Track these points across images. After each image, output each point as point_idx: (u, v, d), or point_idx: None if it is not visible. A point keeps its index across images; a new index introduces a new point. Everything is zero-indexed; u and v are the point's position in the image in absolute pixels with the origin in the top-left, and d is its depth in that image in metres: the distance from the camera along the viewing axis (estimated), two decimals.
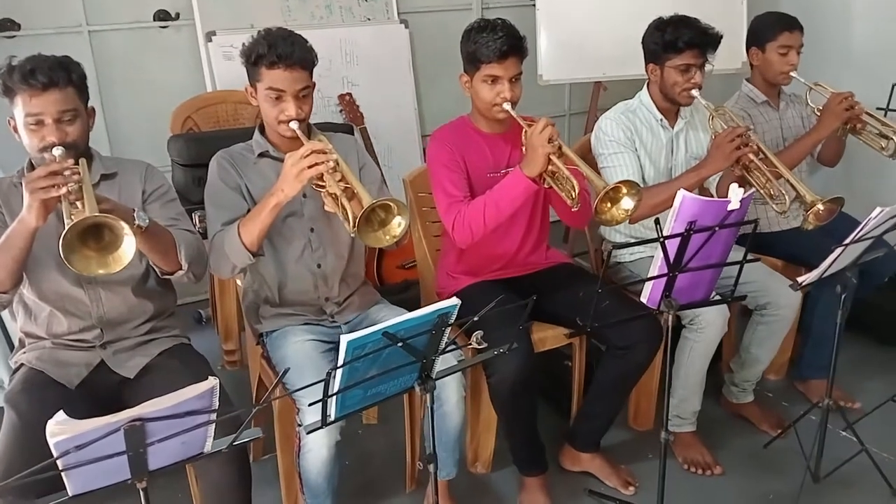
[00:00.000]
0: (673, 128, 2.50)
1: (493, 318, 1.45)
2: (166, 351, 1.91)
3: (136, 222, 1.67)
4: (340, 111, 3.65)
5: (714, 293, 1.97)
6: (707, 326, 2.27)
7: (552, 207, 2.33)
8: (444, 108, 4.09)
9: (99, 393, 1.83)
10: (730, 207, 1.70)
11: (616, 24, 3.52)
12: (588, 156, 2.50)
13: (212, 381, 1.14)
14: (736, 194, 1.69)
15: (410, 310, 2.34)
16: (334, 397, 1.36)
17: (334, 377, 1.31)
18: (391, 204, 1.71)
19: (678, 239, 1.68)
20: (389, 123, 3.85)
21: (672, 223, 1.69)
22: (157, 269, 1.85)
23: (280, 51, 1.89)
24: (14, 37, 3.12)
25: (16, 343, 1.98)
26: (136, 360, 1.87)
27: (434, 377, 1.51)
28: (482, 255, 2.31)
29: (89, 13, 3.25)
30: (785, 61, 2.67)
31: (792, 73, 2.67)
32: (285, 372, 1.30)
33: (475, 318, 1.44)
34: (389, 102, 3.87)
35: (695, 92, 2.37)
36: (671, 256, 1.71)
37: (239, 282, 2.26)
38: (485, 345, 1.49)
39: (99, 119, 1.95)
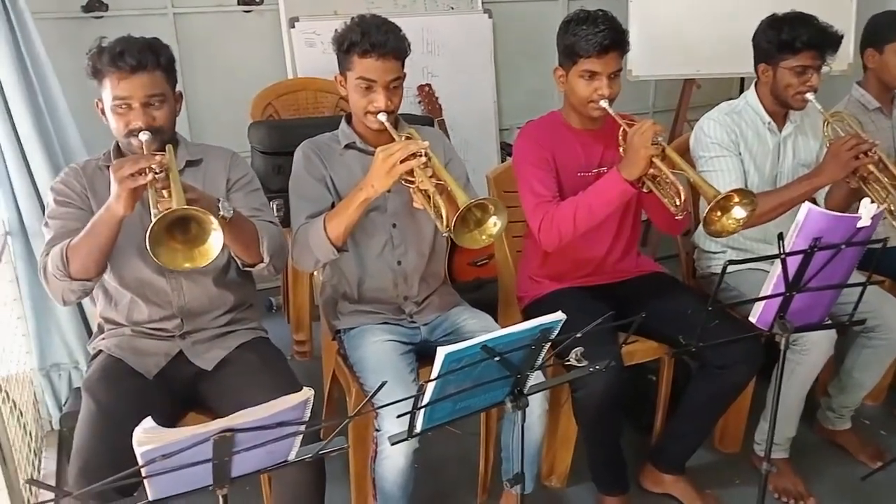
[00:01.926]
0: (781, 132, 2.33)
1: (585, 335, 1.35)
2: (245, 344, 1.86)
3: (221, 213, 1.62)
4: (419, 102, 3.57)
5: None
6: (812, 348, 2.10)
7: (645, 212, 2.19)
8: (524, 102, 4.00)
9: (175, 384, 1.79)
10: (859, 224, 1.55)
11: (713, 19, 3.36)
12: (685, 157, 2.35)
13: (307, 393, 1.06)
14: (868, 210, 1.53)
15: (484, 310, 2.31)
16: (422, 410, 1.27)
17: (425, 390, 1.22)
18: (488, 203, 1.61)
19: (800, 256, 1.53)
20: (467, 116, 3.76)
21: (794, 238, 1.54)
22: (238, 261, 1.80)
23: (374, 39, 1.82)
24: (101, 17, 3.13)
25: (94, 328, 1.97)
26: (214, 353, 1.83)
27: (526, 393, 1.40)
28: (568, 259, 2.19)
29: None
30: None
31: None
32: (381, 386, 1.22)
33: (578, 335, 1.33)
34: (468, 95, 3.78)
35: (809, 95, 2.19)
36: (791, 274, 1.56)
37: (317, 275, 2.20)
38: (585, 362, 1.38)
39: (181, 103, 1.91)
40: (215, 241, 1.45)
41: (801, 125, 2.35)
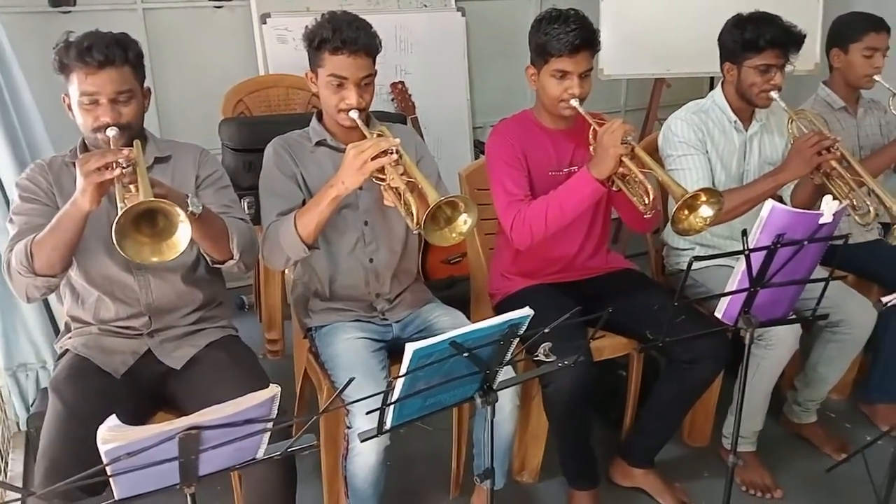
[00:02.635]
0: (747, 130, 2.36)
1: (553, 330, 1.36)
2: (214, 342, 1.85)
3: (190, 208, 1.61)
4: (392, 100, 3.56)
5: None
6: (777, 343, 2.14)
7: (615, 210, 2.21)
8: (497, 100, 4.01)
9: (144, 383, 1.78)
10: (822, 221, 1.58)
11: (683, 19, 3.39)
12: (654, 156, 2.37)
13: (273, 390, 1.06)
14: (830, 207, 1.56)
15: (457, 307, 2.32)
16: (392, 406, 1.28)
17: (394, 387, 1.22)
18: (458, 201, 1.62)
19: (763, 252, 1.56)
20: (440, 114, 3.76)
21: (758, 234, 1.57)
22: (207, 258, 1.78)
23: (345, 36, 1.81)
24: (69, 12, 3.08)
25: (61, 326, 1.94)
26: (183, 351, 1.81)
27: (496, 388, 1.41)
28: (539, 256, 2.20)
29: None
30: (870, 64, 2.51)
31: (876, 77, 2.52)
32: (349, 382, 1.22)
33: (546, 330, 1.34)
34: (441, 92, 3.78)
35: (774, 94, 2.23)
36: (754, 270, 1.59)
37: (289, 273, 2.19)
38: (553, 357, 1.39)
39: (150, 99, 1.89)
40: (183, 235, 1.44)
41: (766, 123, 2.39)
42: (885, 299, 1.89)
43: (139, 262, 1.48)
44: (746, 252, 1.55)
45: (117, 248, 1.40)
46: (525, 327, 1.33)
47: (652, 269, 2.68)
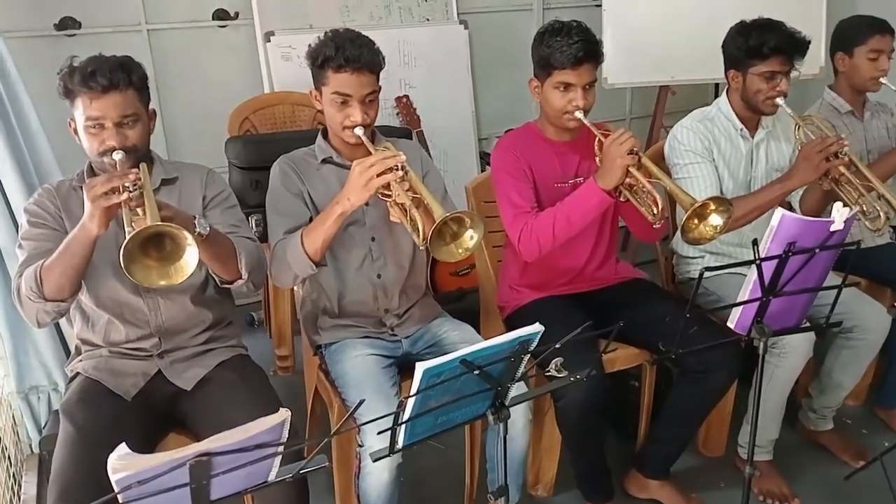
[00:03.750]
0: (753, 138, 2.35)
1: (563, 338, 1.34)
2: (224, 362, 1.85)
3: (197, 230, 1.61)
4: (397, 114, 3.57)
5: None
6: (791, 352, 2.12)
7: (623, 220, 2.20)
8: (501, 111, 4.02)
9: (155, 404, 1.77)
10: (833, 228, 1.57)
11: (686, 26, 3.39)
12: (660, 165, 2.36)
13: (283, 414, 1.06)
14: (840, 214, 1.55)
15: (467, 320, 2.31)
16: (403, 425, 1.27)
17: (405, 406, 1.21)
18: (464, 217, 1.62)
19: (775, 261, 1.55)
20: (445, 127, 3.76)
21: (769, 243, 1.56)
22: (216, 278, 1.78)
23: (348, 54, 1.82)
24: (74, 35, 3.10)
25: (72, 349, 1.94)
26: (193, 371, 1.81)
27: (508, 405, 1.40)
28: (548, 268, 2.20)
29: (148, 12, 3.22)
30: (875, 67, 2.50)
31: (882, 80, 2.50)
32: (360, 404, 1.21)
33: (557, 346, 1.33)
34: (446, 105, 3.78)
35: (780, 100, 2.22)
36: (766, 279, 1.57)
37: (297, 289, 2.19)
38: (565, 373, 1.38)
39: (157, 120, 1.90)
40: (190, 258, 1.44)
41: (773, 130, 2.38)
42: None
43: (147, 286, 1.48)
44: (758, 261, 1.54)
45: (125, 272, 1.40)
46: (536, 343, 1.32)
47: (662, 277, 2.67)
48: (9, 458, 2.27)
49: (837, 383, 2.39)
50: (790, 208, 2.44)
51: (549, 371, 1.40)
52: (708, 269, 1.55)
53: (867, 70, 2.51)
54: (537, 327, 1.30)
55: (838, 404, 2.49)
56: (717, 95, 4.06)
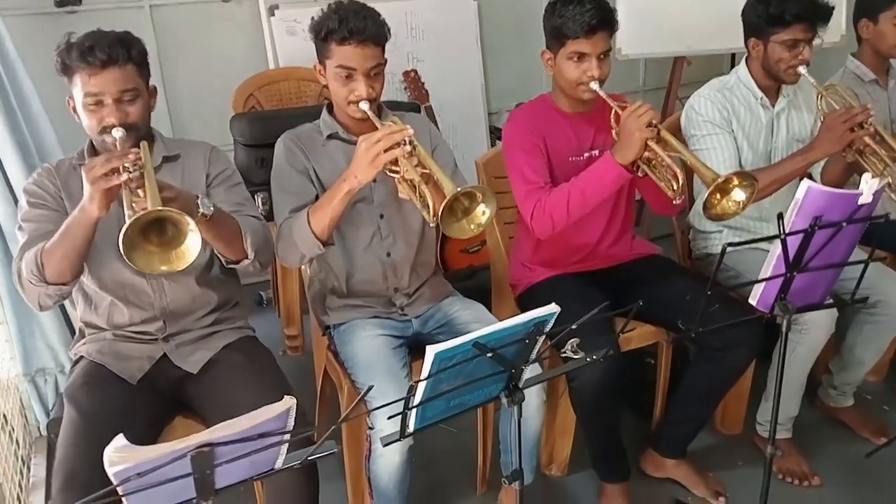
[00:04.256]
0: (774, 107, 2.27)
1: (578, 317, 1.29)
2: (231, 344, 1.81)
3: (201, 210, 1.57)
4: (405, 89, 3.50)
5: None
6: (813, 328, 2.06)
7: (640, 194, 2.14)
8: (512, 85, 3.93)
9: (161, 388, 1.74)
10: (861, 201, 1.50)
11: None
12: (677, 136, 2.29)
13: (288, 402, 1.01)
14: (869, 186, 1.48)
15: (478, 298, 2.26)
16: (414, 409, 1.23)
17: (415, 391, 1.17)
18: (476, 192, 1.56)
19: (800, 235, 1.48)
20: (455, 101, 3.68)
21: (793, 217, 1.49)
22: (221, 258, 1.74)
23: (352, 25, 1.75)
24: (75, 12, 3.04)
25: (77, 331, 1.91)
26: (199, 354, 1.77)
27: (522, 387, 1.36)
28: (561, 245, 2.14)
29: None
30: None
31: None
32: (368, 390, 1.17)
33: (574, 327, 1.28)
34: (455, 79, 3.70)
35: (802, 69, 2.13)
36: (791, 255, 1.51)
37: (305, 269, 2.14)
38: (581, 354, 1.33)
39: (160, 97, 1.86)
40: (193, 243, 1.40)
41: (794, 99, 2.30)
42: None
43: (149, 272, 1.43)
44: (782, 236, 1.47)
45: (126, 259, 1.35)
46: (551, 324, 1.27)
47: (678, 252, 2.60)
48: (17, 441, 2.25)
49: (859, 359, 2.33)
50: (812, 180, 2.36)
51: (564, 352, 1.35)
52: (731, 244, 1.49)
53: (893, 36, 2.43)
54: (553, 308, 1.24)
55: (859, 381, 2.43)
56: (733, 65, 3.96)
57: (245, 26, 3.34)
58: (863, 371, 2.39)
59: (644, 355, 2.39)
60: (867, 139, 2.02)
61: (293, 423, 1.03)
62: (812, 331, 2.07)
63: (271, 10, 3.25)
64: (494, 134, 3.86)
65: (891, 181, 2.00)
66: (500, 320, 2.12)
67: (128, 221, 1.36)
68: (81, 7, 3.03)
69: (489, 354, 1.18)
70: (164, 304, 1.77)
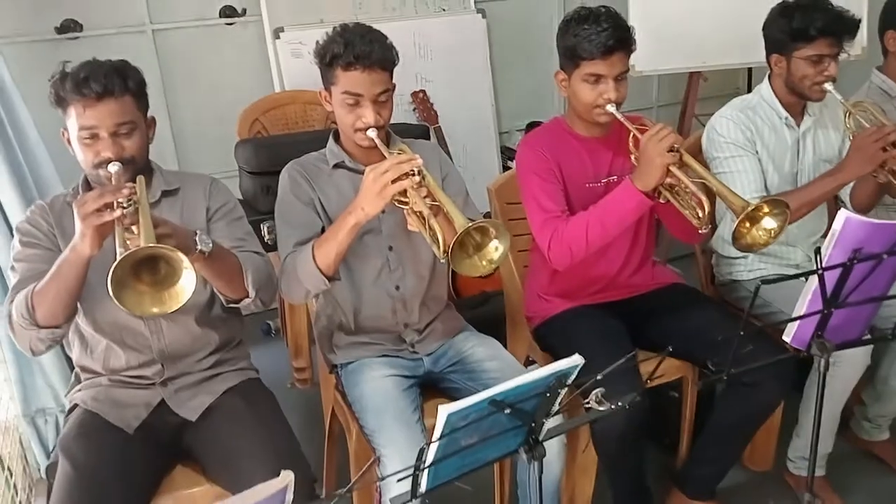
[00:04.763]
0: (799, 127, 2.17)
1: (600, 359, 1.20)
2: (232, 388, 1.72)
3: (199, 247, 1.49)
4: (413, 110, 3.42)
5: None
6: (847, 361, 1.95)
7: (662, 221, 2.04)
8: (523, 104, 3.85)
9: (159, 436, 1.65)
10: None
11: (716, 9, 3.19)
12: (698, 159, 2.19)
13: (286, 479, 0.92)
14: None
15: (492, 326, 2.17)
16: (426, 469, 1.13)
17: (427, 452, 1.07)
18: (488, 226, 1.47)
19: (838, 270, 1.38)
20: (465, 122, 3.60)
21: (831, 249, 1.39)
22: (221, 297, 1.65)
23: (358, 50, 1.67)
24: (77, 38, 2.99)
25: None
26: (199, 400, 1.68)
27: (542, 439, 1.26)
28: (579, 275, 2.03)
29: (153, 11, 3.09)
30: None
31: None
32: (373, 462, 1.07)
33: (599, 378, 1.18)
34: (465, 99, 3.63)
35: (828, 86, 2.04)
36: (829, 290, 1.41)
37: (312, 304, 2.05)
38: (606, 404, 1.23)
39: (164, 123, 1.78)
40: (187, 283, 1.31)
41: (820, 118, 2.20)
42: None
43: (139, 314, 1.35)
44: (820, 271, 1.37)
45: (114, 300, 1.27)
46: (574, 376, 1.17)
47: (700, 277, 2.50)
48: (14, 486, 2.16)
49: (894, 390, 2.21)
50: (841, 203, 2.26)
51: (588, 403, 1.25)
52: (765, 281, 1.38)
53: None
54: (576, 360, 1.14)
55: (894, 413, 2.31)
56: (749, 80, 3.89)
57: (250, 49, 3.28)
58: None
59: (668, 388, 2.27)
60: None
61: (292, 499, 0.94)
62: (846, 364, 1.95)
63: (276, 33, 3.19)
64: (505, 154, 3.78)
65: None
66: (516, 355, 2.08)
67: (118, 259, 1.28)
68: (83, 33, 2.98)
69: (507, 410, 1.09)
70: (162, 346, 1.68)
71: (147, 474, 1.58)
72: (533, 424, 1.20)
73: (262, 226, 2.56)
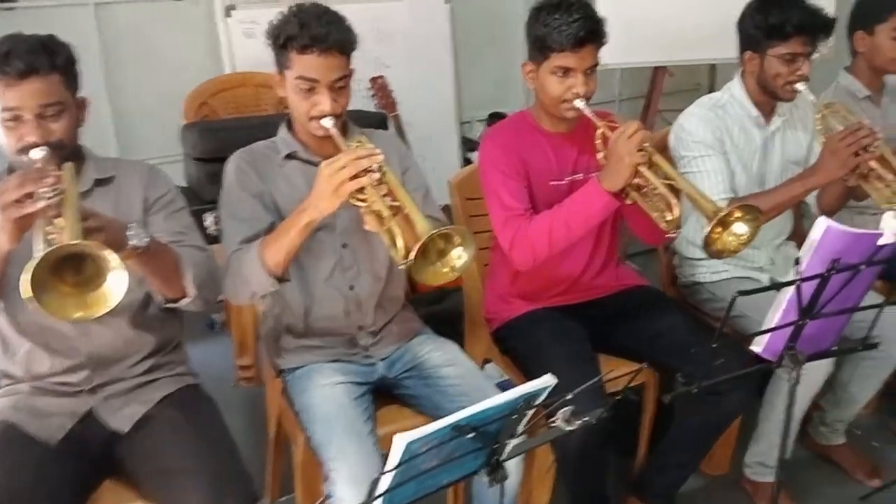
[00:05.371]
0: (769, 127, 2.12)
1: (561, 364, 1.11)
2: (169, 396, 1.58)
3: (132, 242, 1.35)
4: (372, 96, 3.30)
5: None
6: (811, 369, 1.88)
7: (626, 221, 1.96)
8: (486, 93, 3.76)
9: (86, 449, 1.50)
10: (881, 242, 1.34)
11: (684, 3, 3.14)
12: (664, 155, 2.12)
13: None
14: (891, 225, 1.32)
15: (450, 325, 2.08)
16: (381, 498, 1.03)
17: (380, 481, 0.97)
18: (453, 233, 1.37)
19: (815, 280, 1.32)
20: (424, 110, 3.49)
21: (808, 259, 1.33)
22: (158, 297, 1.52)
23: (314, 32, 1.55)
24: (13, 9, 2.78)
25: None
26: (131, 409, 1.54)
27: (504, 460, 1.17)
28: (541, 276, 1.95)
29: None
30: None
31: None
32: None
33: (569, 397, 1.09)
34: (425, 87, 3.52)
35: (800, 86, 1.99)
36: (805, 300, 1.35)
37: (259, 303, 1.92)
38: (577, 424, 1.14)
39: (104, 105, 1.64)
40: (115, 285, 1.18)
41: (789, 119, 2.15)
42: None
43: (61, 318, 1.21)
44: (799, 281, 1.31)
45: (31, 304, 1.13)
46: (544, 397, 1.08)
47: (661, 277, 2.45)
48: None
49: (853, 397, 2.20)
50: (807, 206, 2.23)
51: (554, 422, 1.16)
52: (742, 293, 1.32)
53: (890, 50, 2.29)
54: (548, 380, 1.06)
55: (851, 418, 2.29)
56: (713, 75, 3.86)
57: (199, 28, 3.12)
58: (856, 408, 2.25)
59: (628, 391, 2.21)
60: (873, 163, 1.87)
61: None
62: (810, 372, 1.90)
63: (227, 11, 3.04)
64: (466, 145, 3.68)
65: None
66: (474, 357, 1.99)
67: (37, 257, 1.14)
68: (18, 3, 2.78)
69: (470, 435, 0.99)
70: (91, 349, 1.53)
71: (71, 492, 1.44)
72: (496, 446, 1.10)
73: (208, 216, 2.42)
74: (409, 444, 0.92)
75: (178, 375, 1.64)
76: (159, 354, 1.62)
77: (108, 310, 1.19)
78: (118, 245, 1.29)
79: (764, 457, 2.13)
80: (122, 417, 1.53)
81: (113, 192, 1.59)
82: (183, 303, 1.53)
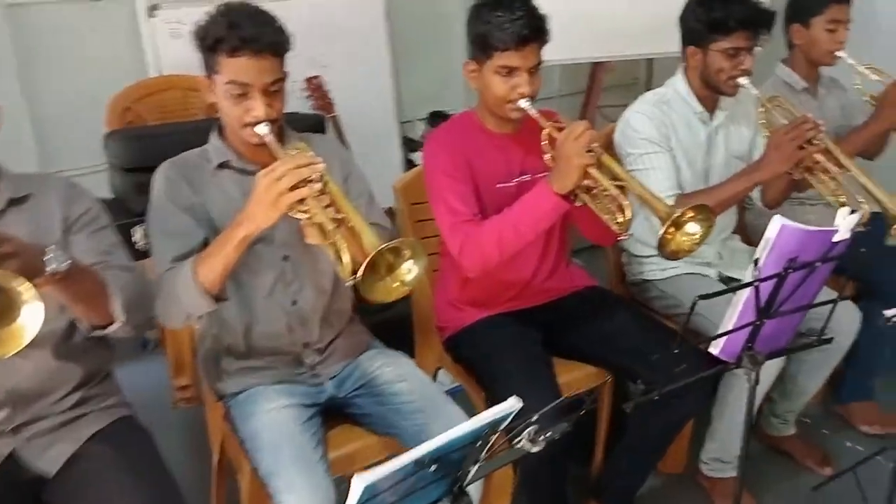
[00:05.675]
0: (712, 122, 2.11)
1: (516, 374, 1.05)
2: (100, 432, 1.46)
3: (50, 267, 1.23)
4: (308, 97, 3.18)
5: None
6: (766, 367, 1.89)
7: (575, 223, 1.92)
8: (426, 91, 3.67)
9: (8, 495, 1.37)
10: (836, 238, 1.33)
11: None
12: (609, 153, 2.09)
13: None
14: (846, 222, 1.31)
15: (398, 333, 2.00)
16: None
17: None
18: (402, 247, 1.29)
19: (772, 280, 1.30)
20: (363, 110, 3.39)
21: (765, 258, 1.30)
22: (82, 326, 1.40)
23: (245, 33, 1.45)
24: None
25: None
26: (58, 449, 1.41)
27: (467, 485, 1.10)
28: (492, 282, 1.90)
29: None
30: (833, 39, 2.30)
31: (839, 53, 2.30)
32: None
33: (534, 419, 1.03)
34: (363, 85, 3.42)
35: (743, 80, 1.98)
36: (762, 300, 1.32)
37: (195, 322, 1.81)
38: (542, 442, 1.09)
39: (20, 112, 1.49)
40: (30, 319, 1.07)
41: (732, 113, 2.15)
42: (888, 313, 1.68)
43: None
44: (756, 283, 1.28)
45: None
46: (508, 421, 1.02)
47: (608, 275, 2.42)
48: None
49: (802, 388, 2.22)
50: (752, 199, 2.23)
51: (519, 442, 1.10)
52: (702, 297, 1.28)
53: (825, 42, 2.31)
54: (512, 404, 0.99)
55: (801, 409, 2.32)
56: (650, 71, 3.88)
57: (121, 28, 2.94)
58: (805, 399, 2.28)
59: (585, 396, 2.18)
60: (817, 156, 1.87)
61: None
62: (766, 368, 1.90)
63: (151, 11, 2.88)
64: (408, 146, 3.60)
65: (841, 200, 1.87)
66: (425, 367, 1.92)
67: None
68: None
69: (433, 468, 0.92)
70: (9, 385, 1.40)
71: None
72: (459, 473, 1.04)
73: (136, 230, 2.28)
74: (367, 487, 0.85)
75: (108, 408, 1.51)
76: (87, 387, 1.49)
77: (19, 348, 1.07)
78: (35, 272, 1.18)
79: (721, 453, 2.13)
80: (48, 459, 1.40)
81: (28, 212, 1.45)
82: (111, 329, 1.41)
